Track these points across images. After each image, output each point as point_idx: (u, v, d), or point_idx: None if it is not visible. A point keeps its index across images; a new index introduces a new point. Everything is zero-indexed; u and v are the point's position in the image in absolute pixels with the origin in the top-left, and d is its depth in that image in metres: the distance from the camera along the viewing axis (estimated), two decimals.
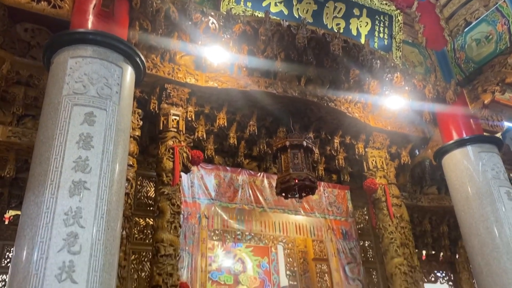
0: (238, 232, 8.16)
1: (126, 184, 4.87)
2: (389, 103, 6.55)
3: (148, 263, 5.27)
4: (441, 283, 9.34)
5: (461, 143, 6.30)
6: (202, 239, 6.03)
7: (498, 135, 7.08)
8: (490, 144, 6.29)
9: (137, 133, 5.25)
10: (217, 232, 8.26)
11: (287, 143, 5.79)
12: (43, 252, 3.17)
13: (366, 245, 7.12)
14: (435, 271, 9.34)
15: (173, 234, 4.88)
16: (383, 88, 6.25)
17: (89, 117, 3.72)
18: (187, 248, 5.72)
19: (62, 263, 3.15)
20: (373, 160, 6.86)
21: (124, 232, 4.91)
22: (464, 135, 6.38)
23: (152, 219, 5.46)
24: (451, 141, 6.40)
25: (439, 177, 8.14)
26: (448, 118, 6.62)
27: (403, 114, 6.87)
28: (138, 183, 5.80)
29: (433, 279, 9.25)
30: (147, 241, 5.48)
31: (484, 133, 6.68)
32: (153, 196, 5.72)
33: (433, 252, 9.30)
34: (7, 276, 3.39)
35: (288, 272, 8.82)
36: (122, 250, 4.84)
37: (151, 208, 5.64)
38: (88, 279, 3.19)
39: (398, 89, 6.28)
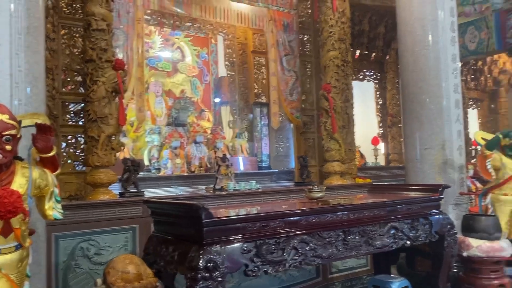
0: (176, 17, 7.84)
1: None
2: None
3: (80, 39, 4.99)
4: (368, 81, 10.06)
5: None
6: (137, 19, 5.70)
7: None
8: None
9: None
10: (154, 16, 7.88)
11: None
12: None
13: (305, 39, 7.15)
14: (365, 70, 9.94)
15: (105, 8, 4.51)
16: None
17: None
18: (121, 27, 5.43)
19: None
20: None
21: (50, 2, 4.52)
22: None
23: None
24: None
25: None
26: None
27: None
28: None
29: (361, 77, 9.91)
30: (77, 16, 5.07)
31: None
32: None
33: (366, 52, 9.74)
34: None
35: (226, 63, 8.97)
36: (50, 22, 4.52)
37: None
38: (11, 41, 2.98)
39: None
